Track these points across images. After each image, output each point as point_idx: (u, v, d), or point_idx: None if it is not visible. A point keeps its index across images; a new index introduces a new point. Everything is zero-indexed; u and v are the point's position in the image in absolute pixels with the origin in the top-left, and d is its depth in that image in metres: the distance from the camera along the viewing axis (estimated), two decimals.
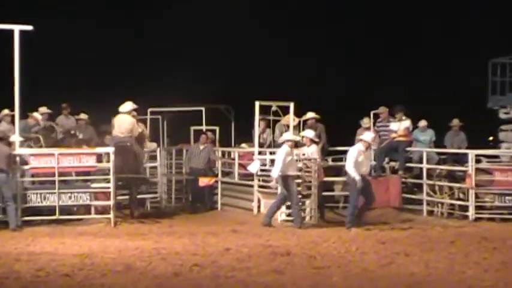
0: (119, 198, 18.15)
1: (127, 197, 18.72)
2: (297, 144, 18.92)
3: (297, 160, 17.54)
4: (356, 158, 17.01)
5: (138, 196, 19.15)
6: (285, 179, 17.07)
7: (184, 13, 31.81)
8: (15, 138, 17.11)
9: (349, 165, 17.03)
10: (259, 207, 18.67)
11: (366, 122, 21.11)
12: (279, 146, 19.85)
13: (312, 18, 32.96)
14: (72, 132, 19.24)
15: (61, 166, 16.98)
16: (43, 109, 19.54)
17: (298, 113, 19.88)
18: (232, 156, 21.00)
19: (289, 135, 17.87)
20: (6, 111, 18.57)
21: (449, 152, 20.53)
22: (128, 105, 18.51)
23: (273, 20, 32.12)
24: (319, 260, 12.55)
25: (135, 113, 18.86)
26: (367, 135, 17.66)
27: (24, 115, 18.37)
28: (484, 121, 23.16)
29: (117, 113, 18.65)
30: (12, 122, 17.83)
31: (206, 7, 31.29)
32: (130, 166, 18.31)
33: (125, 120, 18.43)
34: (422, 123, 20.92)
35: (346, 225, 16.88)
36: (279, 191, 17.34)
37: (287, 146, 17.29)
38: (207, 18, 31.31)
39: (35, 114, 19.15)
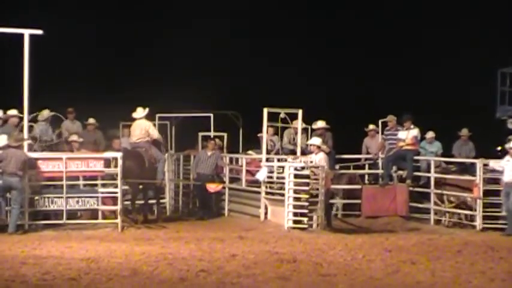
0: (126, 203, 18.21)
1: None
2: (304, 152, 18.97)
3: (303, 168, 17.55)
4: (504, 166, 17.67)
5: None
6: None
7: (193, 18, 31.86)
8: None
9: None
10: (266, 213, 18.67)
11: (370, 127, 21.16)
12: (286, 153, 19.91)
13: (320, 25, 33.00)
14: (71, 139, 19.13)
15: (69, 170, 17.04)
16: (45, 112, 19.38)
17: (307, 120, 19.89)
18: (239, 162, 21.01)
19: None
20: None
21: (457, 162, 20.52)
22: (140, 111, 18.85)
23: (282, 26, 32.16)
24: (326, 267, 12.54)
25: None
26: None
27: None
28: (492, 131, 23.13)
29: (126, 118, 18.74)
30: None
31: (216, 13, 31.34)
32: (144, 170, 18.40)
33: (139, 125, 18.77)
34: (430, 134, 20.89)
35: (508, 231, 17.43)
36: None
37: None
38: (216, 24, 31.33)
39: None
